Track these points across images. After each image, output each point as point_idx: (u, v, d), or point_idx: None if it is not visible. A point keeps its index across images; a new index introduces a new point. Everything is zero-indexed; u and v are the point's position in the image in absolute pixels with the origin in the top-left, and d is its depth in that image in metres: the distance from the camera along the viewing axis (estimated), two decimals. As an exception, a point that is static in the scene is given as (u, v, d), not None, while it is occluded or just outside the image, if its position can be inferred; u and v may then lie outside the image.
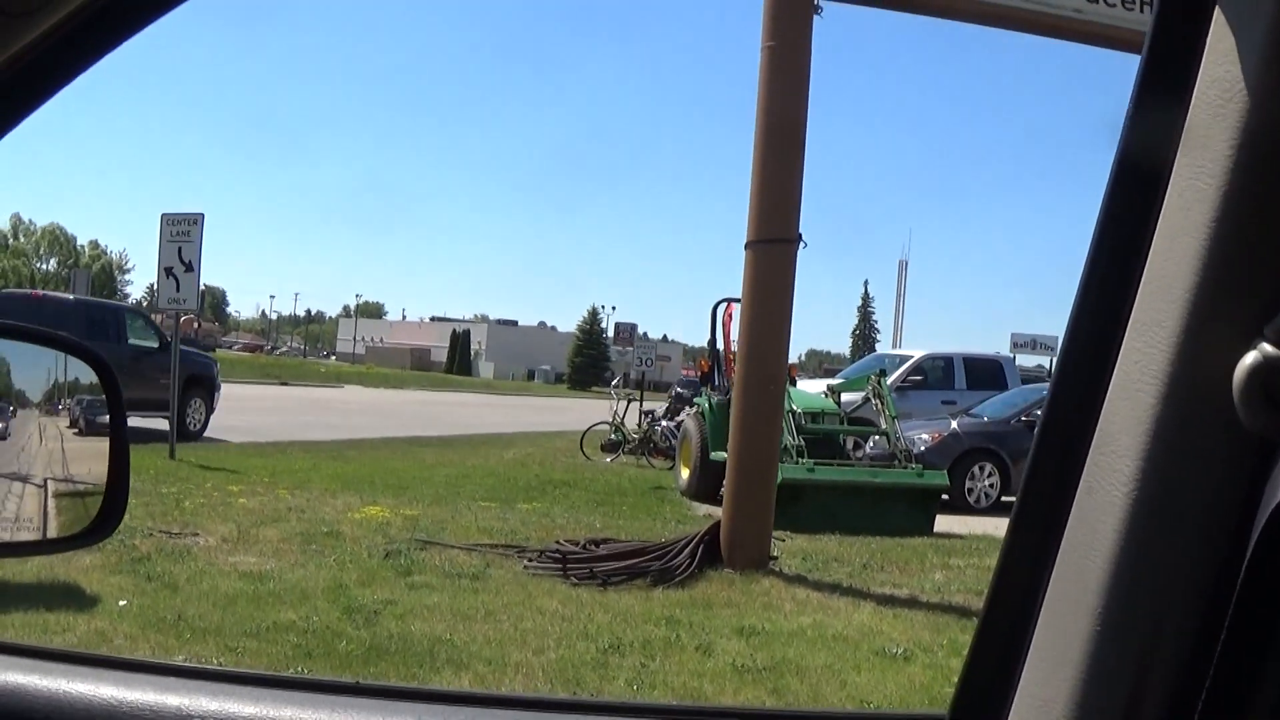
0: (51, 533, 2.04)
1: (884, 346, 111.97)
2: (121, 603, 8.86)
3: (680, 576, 11.10)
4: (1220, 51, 1.07)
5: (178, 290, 20.81)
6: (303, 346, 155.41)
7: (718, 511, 15.87)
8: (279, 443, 26.32)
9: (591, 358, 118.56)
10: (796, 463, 16.65)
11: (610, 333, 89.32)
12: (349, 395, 63.40)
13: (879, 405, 19.31)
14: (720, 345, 21.70)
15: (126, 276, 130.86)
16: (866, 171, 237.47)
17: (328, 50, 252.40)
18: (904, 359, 29.93)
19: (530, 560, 11.52)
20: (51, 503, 2.03)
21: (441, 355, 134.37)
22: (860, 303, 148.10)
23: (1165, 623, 1.13)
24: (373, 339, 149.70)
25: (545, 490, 19.87)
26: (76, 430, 2.06)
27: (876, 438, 19.91)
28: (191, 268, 20.71)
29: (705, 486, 19.54)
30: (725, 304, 21.42)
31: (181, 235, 20.67)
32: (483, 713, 1.69)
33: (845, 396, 21.10)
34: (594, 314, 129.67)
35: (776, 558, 12.35)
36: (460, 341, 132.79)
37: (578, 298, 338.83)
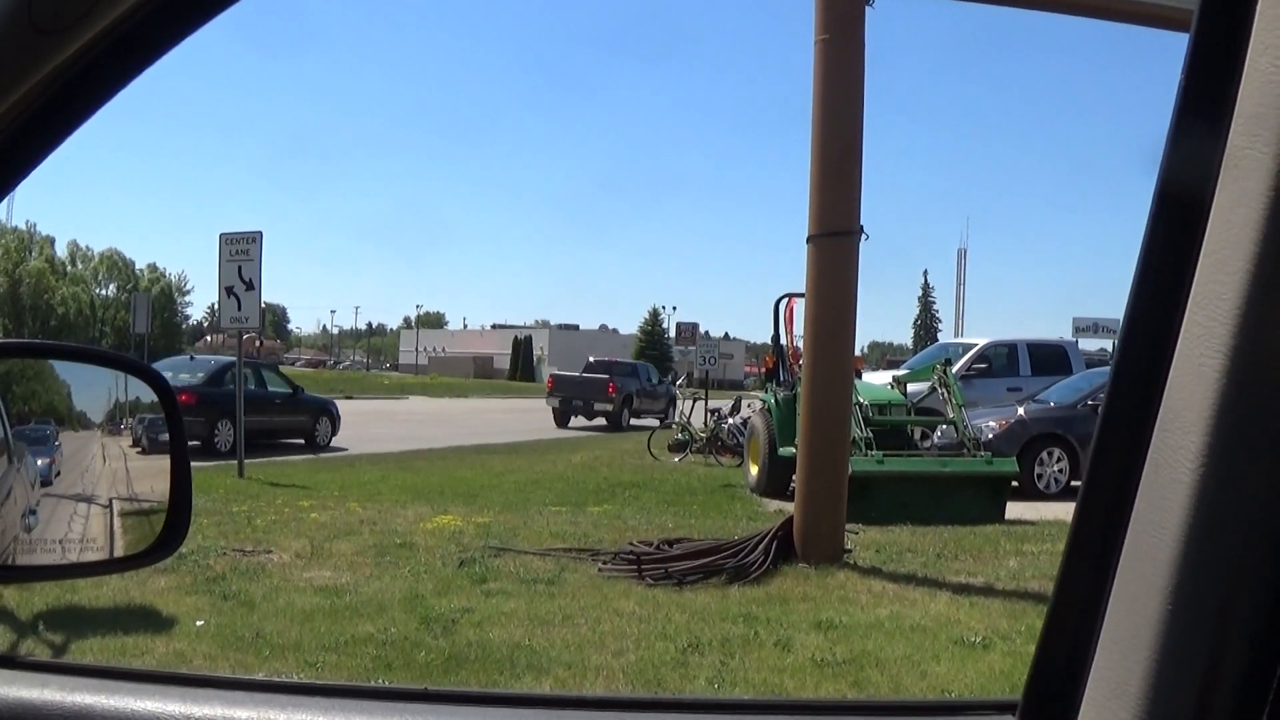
0: (118, 552, 2.03)
1: (946, 336, 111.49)
2: (199, 622, 8.88)
3: (756, 573, 11.07)
4: (1272, 17, 1.06)
5: (239, 309, 20.95)
6: (365, 360, 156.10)
7: (788, 507, 15.83)
8: (347, 456, 26.52)
9: (654, 358, 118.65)
10: (865, 455, 16.59)
11: (672, 333, 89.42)
12: (413, 406, 63.77)
13: (945, 394, 19.17)
14: (784, 340, 21.66)
15: (186, 298, 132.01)
16: (922, 160, 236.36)
17: (375, 70, 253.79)
18: (968, 347, 29.68)
19: (605, 563, 11.52)
20: (117, 522, 2.02)
21: (504, 362, 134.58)
22: (920, 293, 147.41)
23: (1239, 600, 1.11)
24: (435, 349, 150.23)
25: (615, 493, 19.95)
26: (139, 449, 2.06)
27: (944, 427, 19.80)
28: (252, 286, 20.84)
29: (775, 482, 19.53)
30: (787, 299, 21.39)
31: (241, 254, 20.82)
32: (556, 714, 1.69)
33: (911, 387, 21.01)
34: (655, 315, 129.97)
35: (850, 550, 12.30)
36: (522, 348, 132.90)
37: (637, 300, 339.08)
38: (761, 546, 11.43)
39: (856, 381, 17.55)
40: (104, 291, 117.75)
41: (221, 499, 16.41)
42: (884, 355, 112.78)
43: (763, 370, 24.93)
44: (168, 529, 1.91)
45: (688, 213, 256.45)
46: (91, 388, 2.05)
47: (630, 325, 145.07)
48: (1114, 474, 1.22)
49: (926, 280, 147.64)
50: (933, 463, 17.67)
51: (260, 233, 21.04)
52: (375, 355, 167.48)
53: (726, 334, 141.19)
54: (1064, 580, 1.30)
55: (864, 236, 12.13)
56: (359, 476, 21.65)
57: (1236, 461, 1.09)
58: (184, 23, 1.49)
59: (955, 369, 22.05)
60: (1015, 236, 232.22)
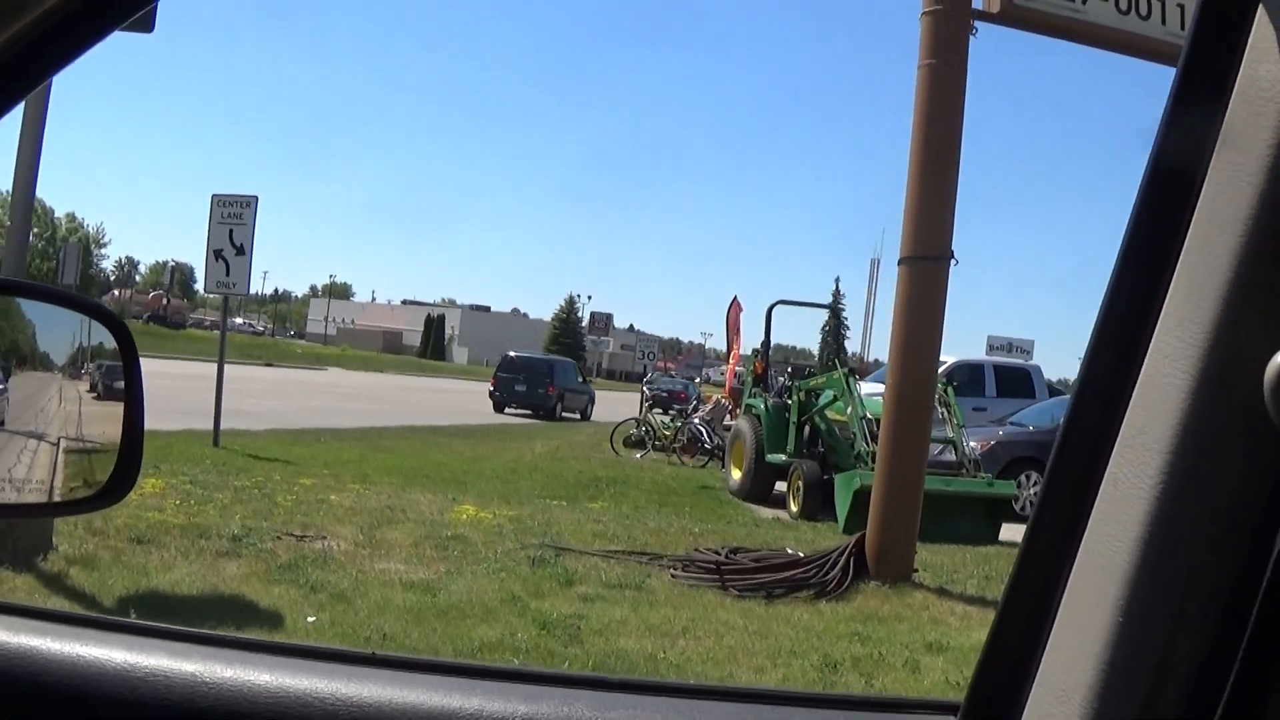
0: (58, 496, 2.02)
1: (853, 344, 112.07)
2: (310, 618, 8.56)
3: (835, 590, 11.15)
4: (1262, 50, 1.10)
5: (227, 274, 20.51)
6: (270, 326, 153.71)
7: (777, 513, 15.92)
8: (305, 430, 26.12)
9: (568, 346, 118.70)
10: (871, 469, 16.54)
11: (586, 322, 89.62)
12: (336, 379, 63.51)
13: (945, 413, 19.19)
14: (756, 347, 21.70)
15: (103, 250, 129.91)
16: (838, 168, 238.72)
17: (284, 32, 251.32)
18: (933, 365, 29.93)
19: (676, 570, 11.49)
20: (61, 466, 2.00)
21: (414, 339, 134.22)
22: (831, 299, 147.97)
23: (1188, 616, 1.16)
24: (343, 320, 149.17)
25: (599, 488, 20.05)
26: (95, 394, 2.02)
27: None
28: (243, 251, 20.41)
29: (758, 488, 19.70)
30: (733, 301, 21.48)
31: (233, 217, 20.42)
32: (500, 686, 1.70)
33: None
34: (570, 302, 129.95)
35: (917, 570, 12.38)
36: (435, 326, 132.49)
37: (548, 286, 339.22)
38: (841, 563, 11.51)
39: (859, 396, 17.77)
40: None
41: (213, 470, 16.07)
42: (786, 358, 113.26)
43: (753, 375, 24.89)
44: (116, 476, 1.86)
45: (603, 205, 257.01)
46: (56, 329, 2.01)
47: (539, 310, 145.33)
48: (1072, 485, 1.26)
49: (838, 287, 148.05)
50: (936, 481, 17.63)
51: (256, 197, 20.64)
52: (280, 322, 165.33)
53: (631, 325, 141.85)
54: (1014, 586, 1.35)
55: (954, 262, 12.12)
56: (338, 454, 21.30)
57: (1196, 482, 1.13)
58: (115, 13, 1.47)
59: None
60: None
